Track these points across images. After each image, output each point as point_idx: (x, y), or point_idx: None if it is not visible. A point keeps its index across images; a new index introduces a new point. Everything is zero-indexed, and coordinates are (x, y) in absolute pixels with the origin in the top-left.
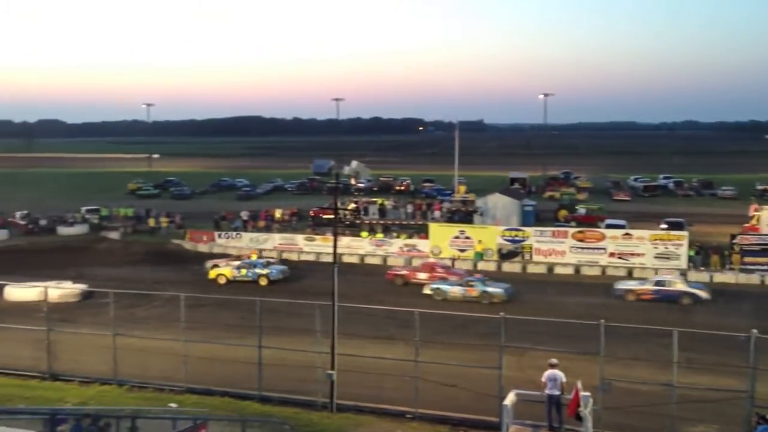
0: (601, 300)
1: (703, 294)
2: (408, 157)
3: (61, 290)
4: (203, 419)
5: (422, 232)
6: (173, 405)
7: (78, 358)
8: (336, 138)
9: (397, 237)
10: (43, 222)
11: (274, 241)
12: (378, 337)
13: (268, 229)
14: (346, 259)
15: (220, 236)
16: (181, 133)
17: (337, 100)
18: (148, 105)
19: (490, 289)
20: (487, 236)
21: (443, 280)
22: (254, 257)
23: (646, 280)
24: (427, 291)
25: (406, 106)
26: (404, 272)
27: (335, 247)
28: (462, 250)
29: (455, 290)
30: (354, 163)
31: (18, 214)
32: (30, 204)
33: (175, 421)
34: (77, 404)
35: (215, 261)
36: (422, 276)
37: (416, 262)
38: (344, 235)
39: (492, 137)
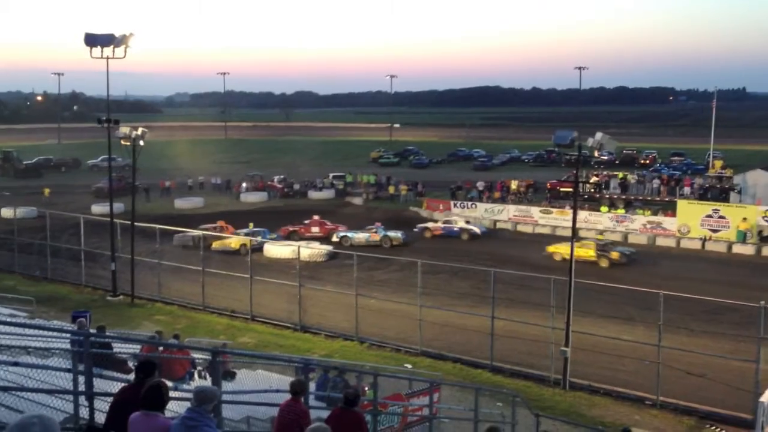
0: None
1: (477, 230)
2: (655, 128)
3: (310, 250)
4: (437, 383)
5: (669, 209)
6: (408, 366)
7: (324, 314)
8: (576, 108)
9: (641, 213)
10: (296, 186)
11: (509, 212)
12: (616, 316)
13: (503, 200)
14: (583, 234)
15: (455, 205)
16: (422, 104)
17: (579, 68)
18: (392, 77)
19: (390, 234)
20: (746, 216)
21: (341, 231)
22: (251, 226)
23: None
24: (335, 239)
25: (654, 74)
26: (297, 228)
27: (574, 220)
28: (715, 230)
29: (360, 236)
30: (599, 135)
31: (276, 178)
32: (286, 169)
33: (411, 382)
34: (323, 356)
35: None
36: (315, 230)
37: (661, 242)
38: (582, 209)
39: (756, 106)
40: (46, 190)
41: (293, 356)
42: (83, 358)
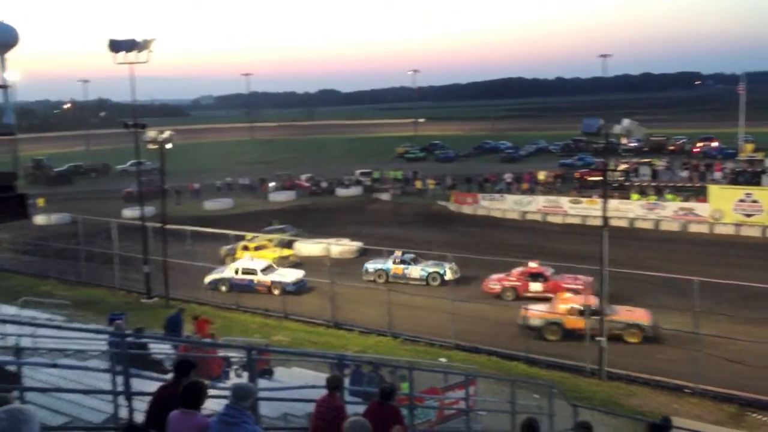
0: None
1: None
2: (683, 114)
3: (340, 247)
4: (473, 375)
5: (700, 194)
6: (443, 359)
7: (356, 309)
8: (602, 97)
9: (672, 200)
10: (324, 184)
11: (538, 203)
12: (652, 305)
13: (531, 192)
14: (614, 222)
15: (484, 198)
16: (445, 98)
17: (603, 56)
18: (414, 72)
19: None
20: None
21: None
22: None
23: None
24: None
25: (680, 59)
26: None
27: (604, 209)
28: (749, 215)
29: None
30: (626, 122)
31: (303, 176)
32: (313, 168)
33: (447, 375)
34: (357, 352)
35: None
36: None
37: (694, 228)
38: (612, 197)
39: None
40: (41, 200)
41: (327, 352)
42: (120, 358)
